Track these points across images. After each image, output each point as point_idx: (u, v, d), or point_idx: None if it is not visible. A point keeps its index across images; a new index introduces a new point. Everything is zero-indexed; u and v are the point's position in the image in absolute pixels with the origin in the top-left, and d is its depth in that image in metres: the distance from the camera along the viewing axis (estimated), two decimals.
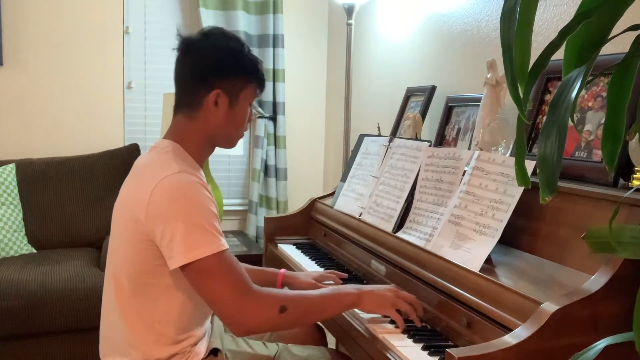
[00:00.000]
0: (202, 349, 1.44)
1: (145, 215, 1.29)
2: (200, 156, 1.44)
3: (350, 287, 1.42)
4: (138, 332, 1.36)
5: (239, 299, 1.27)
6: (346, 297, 1.38)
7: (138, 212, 1.30)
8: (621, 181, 1.28)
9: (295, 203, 3.27)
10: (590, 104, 1.43)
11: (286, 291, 1.36)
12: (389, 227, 1.70)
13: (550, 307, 1.01)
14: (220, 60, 1.39)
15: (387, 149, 1.90)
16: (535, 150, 1.54)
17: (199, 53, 1.41)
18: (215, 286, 1.27)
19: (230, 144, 1.48)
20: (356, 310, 1.45)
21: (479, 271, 1.27)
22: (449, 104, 2.06)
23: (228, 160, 3.51)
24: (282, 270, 1.72)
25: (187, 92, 1.42)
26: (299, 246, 2.14)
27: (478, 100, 1.72)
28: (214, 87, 1.38)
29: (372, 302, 1.39)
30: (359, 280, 1.74)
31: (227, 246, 1.30)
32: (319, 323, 1.73)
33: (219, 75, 1.39)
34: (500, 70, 1.57)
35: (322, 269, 1.84)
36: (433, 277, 1.39)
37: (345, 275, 1.72)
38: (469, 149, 1.79)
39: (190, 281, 1.30)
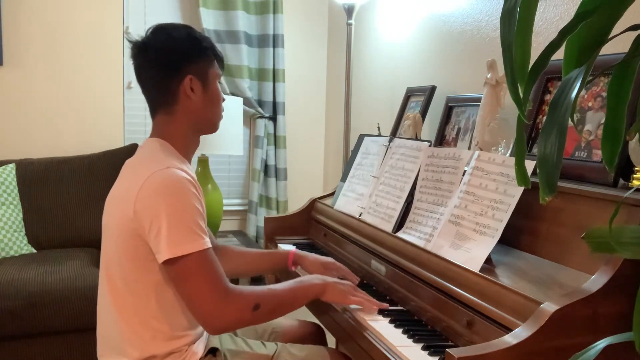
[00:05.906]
0: (200, 348, 1.44)
1: (134, 210, 1.30)
2: (187, 150, 1.47)
3: (315, 278, 1.49)
4: (134, 329, 1.37)
5: (216, 299, 1.30)
6: (313, 288, 1.46)
7: (128, 208, 1.32)
8: (621, 181, 1.28)
9: (295, 203, 3.27)
10: (590, 104, 1.43)
11: (258, 288, 1.39)
12: (389, 227, 1.70)
13: (550, 307, 1.01)
14: (181, 47, 1.42)
15: (387, 149, 1.90)
16: (535, 150, 1.54)
17: (159, 49, 1.42)
18: (194, 285, 1.29)
19: (214, 126, 1.51)
20: (353, 306, 1.48)
21: (479, 271, 1.27)
22: (449, 104, 2.05)
23: (228, 160, 3.51)
24: (293, 249, 1.76)
25: (160, 91, 1.44)
26: (299, 246, 2.14)
27: (478, 100, 1.72)
28: (185, 74, 1.41)
29: (335, 292, 1.46)
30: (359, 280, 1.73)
31: (209, 245, 1.32)
32: (318, 323, 1.74)
33: (186, 62, 1.42)
34: (500, 70, 1.57)
35: None
36: (433, 277, 1.39)
37: (357, 279, 1.68)
38: (469, 149, 1.79)
39: (171, 277, 1.32)
